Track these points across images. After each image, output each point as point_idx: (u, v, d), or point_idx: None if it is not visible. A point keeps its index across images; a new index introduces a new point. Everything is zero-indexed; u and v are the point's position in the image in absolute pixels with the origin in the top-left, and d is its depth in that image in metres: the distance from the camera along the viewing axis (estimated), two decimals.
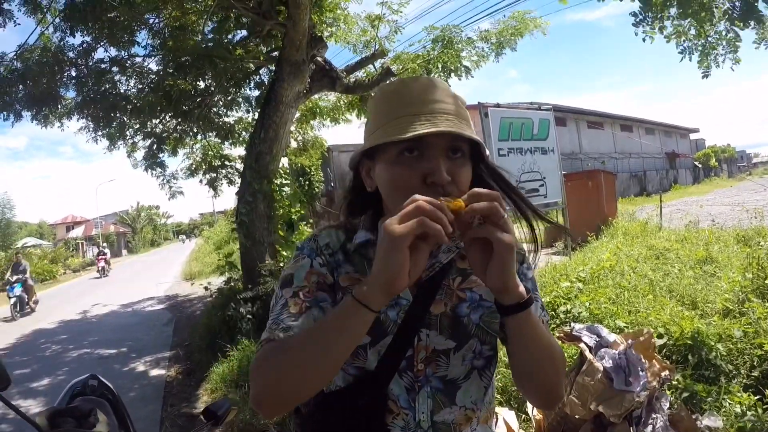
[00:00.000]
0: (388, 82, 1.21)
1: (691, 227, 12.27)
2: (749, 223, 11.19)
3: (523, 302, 1.05)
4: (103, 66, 9.68)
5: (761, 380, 4.07)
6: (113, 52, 9.63)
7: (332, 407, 1.24)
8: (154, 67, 10.36)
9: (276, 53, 9.01)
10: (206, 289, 9.87)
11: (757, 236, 9.47)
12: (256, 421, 5.00)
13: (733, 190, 33.47)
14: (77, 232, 60.27)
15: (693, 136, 62.41)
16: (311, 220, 9.63)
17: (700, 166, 57.13)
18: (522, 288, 1.05)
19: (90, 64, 9.46)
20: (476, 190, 1.00)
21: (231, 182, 12.21)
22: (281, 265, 7.89)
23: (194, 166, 12.46)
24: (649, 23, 5.82)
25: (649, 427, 3.02)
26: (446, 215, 0.94)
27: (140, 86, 10.42)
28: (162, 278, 22.22)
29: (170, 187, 12.60)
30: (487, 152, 1.29)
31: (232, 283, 8.78)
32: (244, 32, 10.00)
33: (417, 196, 0.96)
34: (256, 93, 10.96)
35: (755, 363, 4.24)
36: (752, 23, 5.69)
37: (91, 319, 13.74)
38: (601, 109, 55.54)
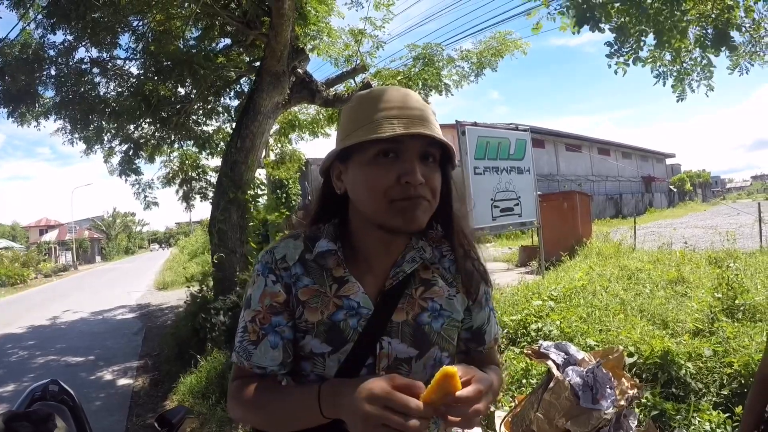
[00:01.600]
0: (363, 91, 1.24)
1: (664, 249, 12.40)
2: (721, 246, 11.33)
3: None
4: (83, 66, 9.62)
5: (731, 398, 4.10)
6: (94, 52, 9.61)
7: None
8: (134, 70, 10.31)
9: (258, 63, 8.98)
10: (187, 303, 9.72)
11: (729, 258, 9.58)
12: None
13: (707, 213, 33.96)
14: (51, 236, 59.58)
15: (669, 161, 63.44)
16: (287, 232, 9.54)
17: (675, 190, 58.04)
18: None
19: (70, 63, 9.40)
20: (464, 396, 1.01)
21: (204, 196, 12.08)
22: None
23: (171, 174, 12.33)
24: (624, 54, 5.87)
25: None
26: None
27: (120, 89, 10.35)
28: (135, 286, 21.97)
29: (145, 197, 12.51)
30: (457, 160, 1.33)
31: (204, 293, 8.66)
32: (227, 41, 10.00)
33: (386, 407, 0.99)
34: (236, 102, 10.92)
35: (725, 381, 4.29)
36: (724, 50, 5.77)
37: (60, 325, 13.49)
38: (580, 132, 56.38)
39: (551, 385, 3.16)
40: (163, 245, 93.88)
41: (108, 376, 8.03)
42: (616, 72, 6.00)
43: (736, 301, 6.10)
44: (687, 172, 65.12)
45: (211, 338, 7.23)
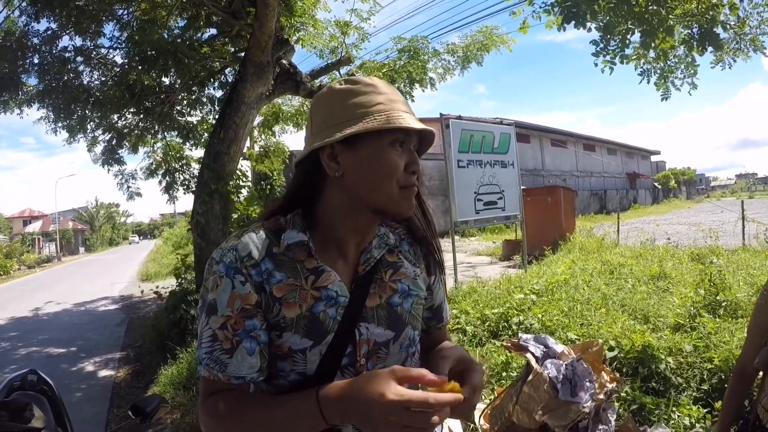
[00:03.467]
0: (350, 77, 1.23)
1: (647, 244, 12.49)
2: (704, 242, 11.42)
3: None
4: (67, 54, 9.52)
5: (711, 393, 4.13)
6: (78, 41, 9.50)
7: None
8: (118, 60, 10.23)
9: (242, 54, 8.91)
10: (157, 294, 9.61)
11: (711, 254, 9.70)
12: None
13: (691, 211, 34.26)
14: (34, 226, 59.06)
15: (654, 158, 63.99)
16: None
17: (659, 187, 58.49)
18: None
19: (54, 51, 9.31)
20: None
21: (188, 188, 11.97)
22: None
23: (154, 165, 12.23)
24: (609, 52, 5.86)
25: None
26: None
27: (103, 78, 10.25)
28: (118, 278, 21.86)
29: (128, 187, 12.45)
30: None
31: (185, 285, 8.58)
32: (213, 31, 9.91)
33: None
34: (220, 93, 10.84)
35: (705, 376, 4.32)
36: (710, 48, 5.78)
37: (42, 316, 13.40)
38: (566, 128, 56.57)
39: (530, 377, 3.15)
40: (143, 237, 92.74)
41: (90, 368, 7.99)
42: (602, 71, 6.00)
43: (718, 297, 6.15)
44: (672, 170, 65.60)
45: (191, 330, 7.18)
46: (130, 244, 79.06)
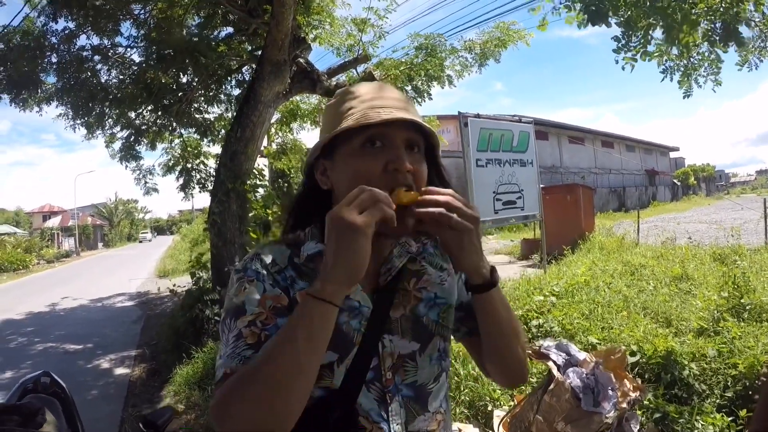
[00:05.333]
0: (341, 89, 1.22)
1: (668, 244, 12.32)
2: (726, 242, 11.25)
3: (492, 279, 1.15)
4: (84, 54, 9.60)
5: (735, 401, 4.01)
6: (96, 40, 9.56)
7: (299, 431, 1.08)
8: (136, 58, 10.26)
9: (259, 52, 8.88)
10: (172, 292, 9.61)
11: (734, 255, 9.53)
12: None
13: (711, 208, 33.94)
14: (54, 222, 59.54)
15: (673, 155, 63.30)
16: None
17: (679, 183, 57.98)
18: (488, 266, 1.15)
19: (72, 50, 9.39)
20: (432, 188, 1.09)
21: (203, 187, 11.98)
22: None
23: (172, 162, 12.26)
24: (632, 48, 5.74)
25: None
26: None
27: (121, 77, 10.33)
28: (135, 274, 21.94)
29: (145, 183, 12.54)
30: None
31: (201, 284, 8.57)
32: (230, 29, 9.91)
33: (364, 186, 1.00)
34: (237, 91, 10.84)
35: (729, 383, 4.20)
36: (733, 46, 5.66)
37: (59, 312, 13.51)
38: (583, 124, 56.25)
39: (551, 386, 3.08)
40: (158, 233, 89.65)
41: (105, 365, 8.01)
42: (623, 68, 5.88)
43: (742, 301, 6.01)
44: (691, 166, 65.13)
45: (207, 330, 7.17)
46: (140, 242, 69.18)
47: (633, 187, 46.72)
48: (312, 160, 1.24)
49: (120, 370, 7.72)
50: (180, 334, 7.70)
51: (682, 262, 9.33)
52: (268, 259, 1.18)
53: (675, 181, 58.44)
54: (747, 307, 5.92)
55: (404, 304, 1.23)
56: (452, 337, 1.34)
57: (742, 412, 3.68)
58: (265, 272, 1.15)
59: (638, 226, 15.29)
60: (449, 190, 1.08)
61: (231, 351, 1.05)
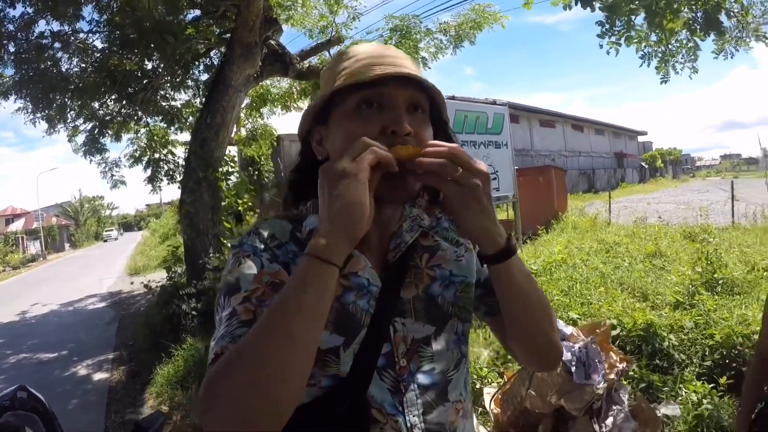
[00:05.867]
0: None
1: (639, 223, 12.59)
2: (695, 221, 11.48)
3: (509, 247, 1.00)
4: (44, 41, 9.16)
5: (713, 369, 4.15)
6: (56, 26, 9.12)
7: (304, 424, 0.96)
8: (98, 44, 9.85)
9: (228, 35, 8.68)
10: (147, 287, 9.40)
11: (703, 233, 9.74)
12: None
13: (677, 190, 34.59)
14: (17, 225, 57.85)
15: (641, 139, 64.47)
16: (258, 210, 9.32)
17: (646, 166, 58.97)
18: (503, 232, 1.00)
19: (30, 38, 8.96)
20: (434, 141, 0.99)
21: (172, 179, 11.72)
22: (226, 258, 7.55)
23: (138, 152, 11.98)
24: (616, 33, 5.79)
25: (610, 419, 2.95)
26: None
27: (83, 65, 9.88)
28: (106, 273, 21.47)
29: (112, 175, 12.16)
30: (448, 116, 1.20)
31: (176, 278, 8.39)
32: (197, 12, 9.57)
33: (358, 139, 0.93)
34: (206, 77, 10.57)
35: (707, 353, 4.34)
36: (711, 34, 5.74)
37: (30, 320, 12.98)
38: (554, 108, 56.65)
39: None
40: (127, 229, 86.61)
41: (83, 371, 7.73)
42: (608, 52, 5.93)
43: (715, 275, 6.25)
44: (658, 150, 66.15)
45: (185, 326, 7.04)
46: (105, 241, 63.79)
47: (602, 170, 47.39)
48: (307, 128, 1.13)
49: (99, 376, 7.46)
50: (157, 332, 7.53)
51: (655, 240, 9.53)
52: (267, 234, 1.08)
53: (643, 164, 59.36)
54: (720, 282, 6.19)
55: (416, 283, 1.11)
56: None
57: (722, 380, 3.80)
58: (262, 246, 1.06)
59: (610, 206, 15.53)
60: (454, 144, 0.96)
61: (224, 330, 0.94)
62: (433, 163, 0.93)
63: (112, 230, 73.40)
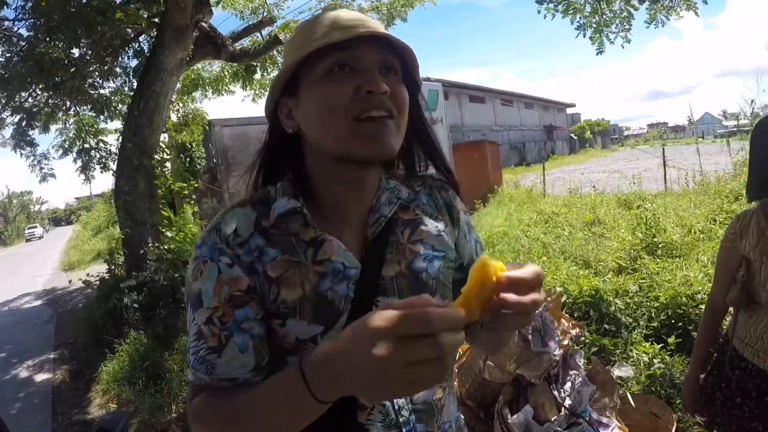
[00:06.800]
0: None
1: (575, 193, 12.88)
2: (628, 189, 11.82)
3: None
4: None
5: (660, 330, 4.28)
6: None
7: None
8: (24, 32, 9.34)
9: (158, 19, 8.37)
10: (86, 282, 9.05)
11: (638, 200, 10.04)
12: (156, 420, 4.64)
13: (607, 159, 35.64)
14: None
15: (569, 111, 66.01)
16: (194, 197, 9.07)
17: (576, 138, 60.46)
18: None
19: None
20: (516, 275, 0.77)
21: (105, 167, 11.32)
22: (166, 248, 7.37)
23: (67, 143, 11.54)
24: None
25: (568, 384, 3.01)
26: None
27: (8, 54, 9.37)
28: (39, 270, 20.59)
29: (41, 168, 11.72)
30: (421, 84, 1.15)
31: (117, 271, 8.11)
32: None
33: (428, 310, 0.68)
34: (135, 62, 10.17)
35: (653, 314, 4.47)
36: (645, 3, 5.88)
37: None
38: (483, 84, 57.38)
39: None
40: (52, 224, 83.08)
41: (24, 373, 7.45)
42: (545, 17, 6.03)
43: (655, 239, 6.44)
44: (587, 121, 67.86)
45: (127, 320, 6.83)
46: (28, 241, 55.13)
47: (532, 143, 48.44)
48: (274, 103, 1.07)
49: (41, 377, 7.20)
50: (98, 328, 7.26)
51: (592, 209, 9.78)
52: (229, 230, 1.01)
53: (572, 135, 60.86)
54: (660, 245, 6.37)
55: (399, 259, 1.07)
56: None
57: (671, 339, 3.93)
58: (223, 246, 1.00)
59: (544, 178, 15.87)
60: (538, 294, 0.78)
61: (195, 353, 0.97)
62: (521, 321, 0.79)
63: (35, 227, 62.01)
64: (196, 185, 9.11)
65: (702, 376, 2.10)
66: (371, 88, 0.94)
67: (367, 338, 0.68)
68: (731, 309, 2.04)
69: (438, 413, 1.08)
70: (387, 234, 1.08)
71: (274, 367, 0.98)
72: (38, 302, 13.49)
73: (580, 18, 6.32)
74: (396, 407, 1.01)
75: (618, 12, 6.28)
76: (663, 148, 15.61)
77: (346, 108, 0.94)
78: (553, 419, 2.83)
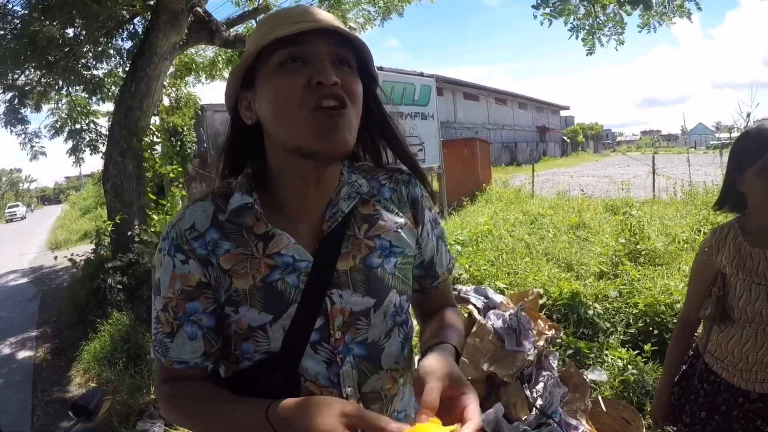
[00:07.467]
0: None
1: (563, 195, 12.93)
2: (616, 194, 11.88)
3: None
4: None
5: (637, 336, 4.34)
6: None
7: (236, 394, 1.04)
8: (18, 9, 9.24)
9: (153, 2, 8.31)
10: (72, 261, 9.01)
11: (625, 206, 10.09)
12: (135, 401, 4.65)
13: (599, 164, 35.66)
14: None
15: (563, 113, 65.88)
16: (182, 181, 9.05)
17: (568, 140, 60.48)
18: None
19: None
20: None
21: (94, 149, 11.29)
22: (153, 230, 7.39)
23: (59, 123, 11.48)
24: (551, 5, 5.89)
25: (541, 384, 3.05)
26: None
27: (2, 32, 9.26)
28: (25, 249, 20.44)
29: (32, 146, 11.71)
30: (379, 81, 1.19)
31: (102, 251, 8.09)
32: None
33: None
34: (129, 44, 10.10)
35: (631, 321, 4.54)
36: (639, 7, 5.91)
37: None
38: (478, 82, 57.18)
39: (474, 329, 3.13)
40: (40, 201, 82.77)
41: (6, 350, 7.43)
42: (542, 23, 6.06)
43: (638, 246, 6.49)
44: (580, 124, 67.96)
45: (111, 300, 6.83)
46: (9, 222, 49.79)
47: (524, 143, 48.36)
48: (234, 96, 1.11)
49: (23, 354, 7.19)
50: (82, 307, 7.26)
51: (578, 212, 9.85)
52: (186, 226, 1.07)
53: (565, 138, 60.84)
54: (643, 252, 6.43)
55: (353, 254, 1.09)
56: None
57: (647, 347, 3.98)
58: (180, 243, 1.06)
59: (533, 179, 15.90)
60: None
61: (155, 334, 1.08)
62: None
63: (17, 206, 56.78)
64: (180, 169, 9.06)
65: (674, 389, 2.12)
66: (321, 79, 0.96)
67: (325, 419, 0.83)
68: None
69: (388, 402, 1.11)
70: (344, 228, 1.10)
71: (228, 351, 1.08)
72: (24, 280, 13.42)
73: (574, 19, 6.35)
74: (344, 395, 1.04)
75: (611, 15, 6.32)
76: (653, 156, 15.67)
77: (298, 100, 0.97)
78: (523, 418, 2.87)
